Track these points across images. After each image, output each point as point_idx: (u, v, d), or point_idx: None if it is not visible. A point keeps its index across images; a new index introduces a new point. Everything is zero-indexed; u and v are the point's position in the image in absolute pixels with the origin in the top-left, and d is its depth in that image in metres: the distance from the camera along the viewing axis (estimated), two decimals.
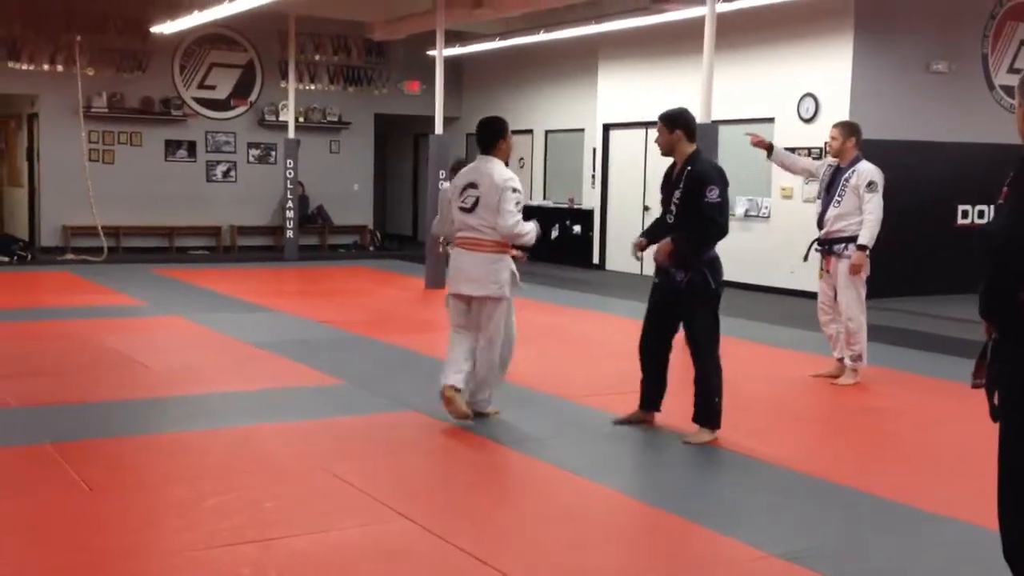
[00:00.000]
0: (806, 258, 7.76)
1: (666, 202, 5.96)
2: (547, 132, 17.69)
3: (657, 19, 12.98)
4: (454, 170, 7.73)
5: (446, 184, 8.25)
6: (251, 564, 3.89)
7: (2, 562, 3.88)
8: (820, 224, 7.50)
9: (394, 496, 4.71)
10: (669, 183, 5.97)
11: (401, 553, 4.09)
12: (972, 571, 4.00)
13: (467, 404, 6.04)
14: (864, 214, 7.25)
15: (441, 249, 7.33)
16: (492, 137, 6.11)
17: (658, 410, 6.12)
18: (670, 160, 6.02)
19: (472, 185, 5.99)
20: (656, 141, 6.06)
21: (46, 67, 16.46)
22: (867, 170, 7.34)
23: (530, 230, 5.99)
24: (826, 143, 7.59)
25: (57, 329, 9.19)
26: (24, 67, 16.34)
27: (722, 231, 5.75)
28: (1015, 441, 3.03)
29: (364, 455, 5.47)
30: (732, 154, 12.91)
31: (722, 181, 5.75)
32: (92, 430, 5.83)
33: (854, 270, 7.32)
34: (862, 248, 7.26)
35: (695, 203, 5.69)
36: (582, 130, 16.68)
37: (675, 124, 5.84)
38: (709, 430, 5.81)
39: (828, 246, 7.48)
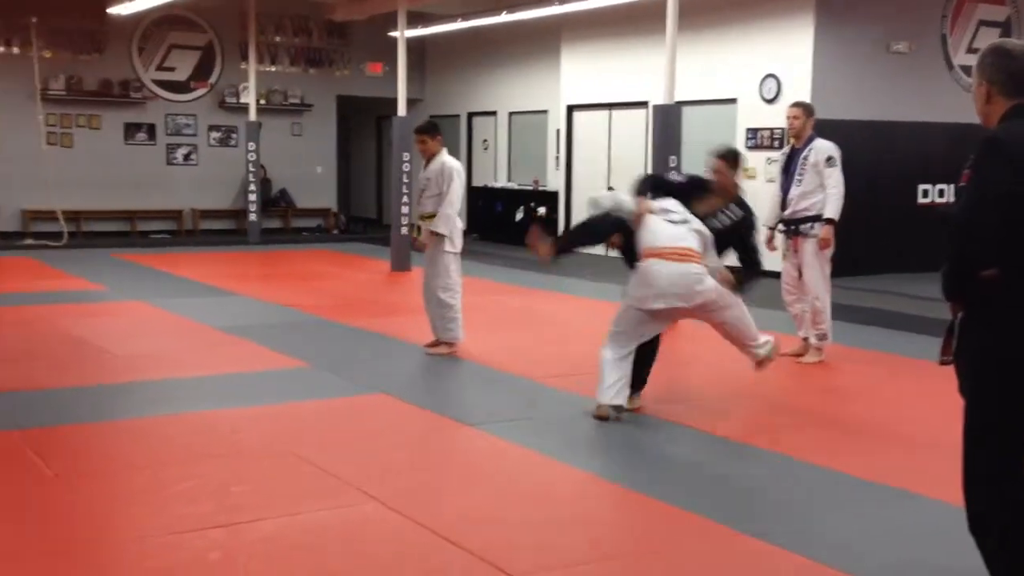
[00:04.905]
0: (771, 243, 7.75)
1: None
2: (511, 114, 17.64)
3: (620, 0, 12.96)
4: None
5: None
6: (220, 548, 3.86)
7: None
8: (783, 206, 7.56)
9: (362, 478, 4.70)
10: None
11: (370, 535, 4.08)
12: (938, 546, 4.05)
13: None
14: (827, 189, 7.34)
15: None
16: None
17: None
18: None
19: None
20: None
21: (1, 49, 16.18)
22: (824, 146, 7.44)
23: None
24: (788, 122, 7.62)
25: (17, 315, 9.06)
26: None
27: None
28: (980, 416, 3.08)
29: (331, 438, 5.45)
30: (695, 134, 12.96)
31: None
32: (55, 417, 5.76)
33: (823, 244, 7.39)
34: (829, 222, 7.34)
35: None
36: (546, 111, 16.65)
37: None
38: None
39: (794, 226, 7.53)
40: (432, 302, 7.67)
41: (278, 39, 18.35)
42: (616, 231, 6.00)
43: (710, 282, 5.71)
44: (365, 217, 21.04)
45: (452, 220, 7.54)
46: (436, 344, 7.70)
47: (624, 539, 4.14)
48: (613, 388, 5.73)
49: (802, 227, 7.47)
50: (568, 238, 6.36)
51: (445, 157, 7.63)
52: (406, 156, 13.12)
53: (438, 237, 7.53)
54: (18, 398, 6.20)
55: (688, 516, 4.33)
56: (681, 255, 5.67)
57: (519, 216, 16.82)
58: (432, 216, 7.53)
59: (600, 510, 4.53)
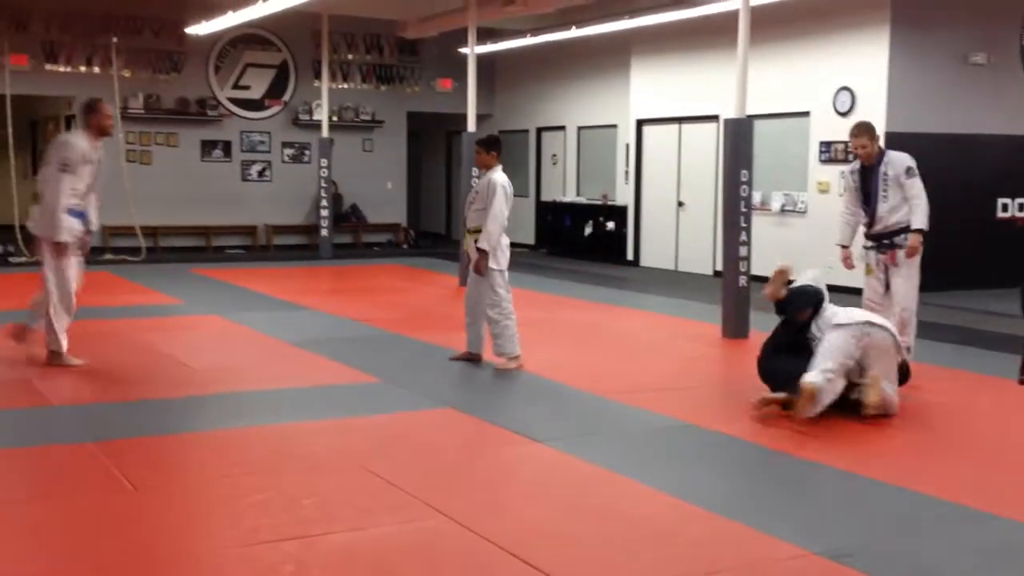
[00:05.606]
0: (848, 261, 7.81)
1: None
2: (580, 128, 17.65)
3: (690, 13, 12.93)
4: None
5: None
6: (293, 561, 3.91)
7: (49, 561, 3.93)
8: (872, 223, 7.52)
9: (431, 493, 4.72)
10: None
11: (437, 549, 4.09)
12: (1014, 566, 3.95)
13: None
14: (911, 200, 7.34)
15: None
16: None
17: None
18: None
19: None
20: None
21: (83, 69, 16.64)
22: (900, 158, 7.47)
23: None
24: (856, 151, 7.58)
25: (98, 328, 9.26)
26: (61, 69, 16.52)
27: None
28: None
29: (401, 452, 5.49)
30: (767, 149, 12.85)
31: None
32: (134, 428, 5.89)
33: (910, 252, 7.38)
34: (918, 231, 7.33)
35: None
36: (615, 126, 16.63)
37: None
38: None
39: (887, 240, 7.48)
40: (479, 319, 7.79)
41: (350, 56, 18.61)
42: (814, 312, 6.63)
43: None
44: (434, 232, 21.19)
45: (495, 236, 7.57)
46: (468, 356, 7.91)
47: (694, 558, 4.10)
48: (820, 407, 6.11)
49: (896, 239, 7.46)
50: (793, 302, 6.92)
51: (495, 172, 7.67)
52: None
53: (484, 253, 7.56)
54: (97, 410, 6.35)
55: (760, 536, 4.27)
56: None
57: (588, 230, 16.81)
58: (477, 231, 7.59)
59: (669, 528, 4.49)
